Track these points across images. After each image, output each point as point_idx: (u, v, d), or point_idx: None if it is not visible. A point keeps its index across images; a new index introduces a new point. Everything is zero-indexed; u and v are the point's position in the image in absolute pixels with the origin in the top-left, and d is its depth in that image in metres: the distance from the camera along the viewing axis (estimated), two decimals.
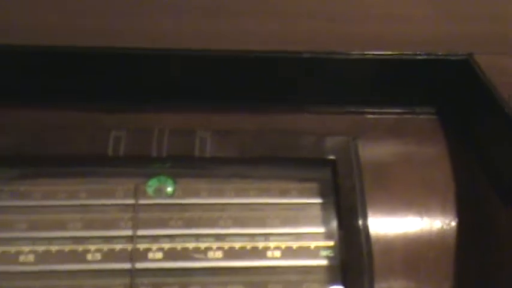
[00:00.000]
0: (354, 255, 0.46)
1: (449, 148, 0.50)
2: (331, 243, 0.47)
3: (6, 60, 0.45)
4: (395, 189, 0.49)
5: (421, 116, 0.52)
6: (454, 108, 0.51)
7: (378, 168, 0.49)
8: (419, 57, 0.49)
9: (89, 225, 0.45)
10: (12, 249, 0.44)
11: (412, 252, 0.47)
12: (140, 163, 0.47)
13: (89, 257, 0.45)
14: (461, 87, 0.49)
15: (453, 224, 0.48)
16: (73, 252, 0.45)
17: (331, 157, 0.48)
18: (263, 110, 0.49)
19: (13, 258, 0.44)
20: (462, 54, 0.48)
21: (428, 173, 0.50)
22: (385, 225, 0.48)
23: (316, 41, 0.47)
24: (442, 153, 0.50)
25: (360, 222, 0.47)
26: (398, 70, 0.49)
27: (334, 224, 0.47)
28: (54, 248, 0.45)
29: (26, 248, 0.45)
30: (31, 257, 0.44)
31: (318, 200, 0.48)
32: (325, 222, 0.47)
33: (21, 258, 0.44)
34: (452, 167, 0.50)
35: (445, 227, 0.48)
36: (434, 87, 0.50)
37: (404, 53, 0.49)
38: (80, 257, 0.45)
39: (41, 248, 0.45)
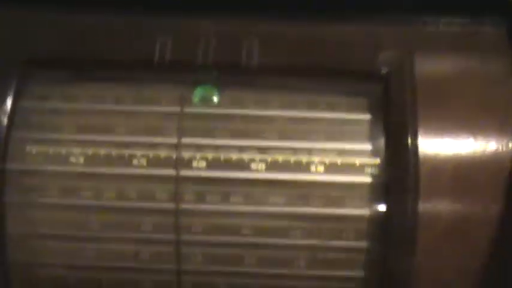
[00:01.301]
0: (399, 173, 0.43)
1: None
2: (377, 160, 0.44)
3: None
4: (451, 107, 0.44)
5: (488, 28, 0.46)
6: None
7: (435, 85, 0.44)
8: None
9: (135, 131, 0.44)
10: (63, 150, 0.44)
11: (461, 175, 0.43)
12: (186, 71, 0.45)
13: (135, 162, 0.44)
14: None
15: (510, 147, 0.44)
16: (119, 156, 0.44)
17: (384, 71, 0.44)
18: (312, 19, 0.45)
19: (63, 159, 0.44)
20: None
21: (489, 92, 0.45)
22: (435, 144, 0.44)
23: None
24: (506, 72, 0.45)
25: (409, 140, 0.43)
26: None
27: (382, 141, 0.44)
28: (101, 151, 0.44)
29: (76, 150, 0.44)
30: (81, 159, 0.44)
31: (367, 116, 0.45)
32: (372, 139, 0.44)
33: (72, 159, 0.44)
34: None
35: (500, 150, 0.44)
36: None
37: None
38: (126, 162, 0.44)
39: (89, 151, 0.44)
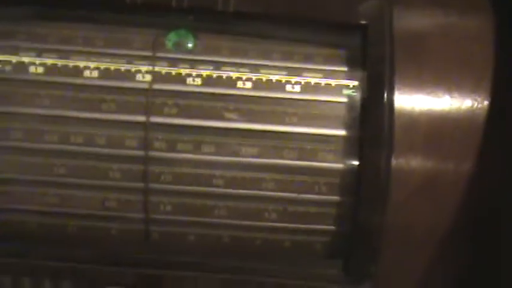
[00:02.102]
0: (374, 128, 0.41)
1: (493, 24, 0.43)
2: (353, 114, 0.42)
3: None
4: (428, 62, 0.43)
5: None
6: None
7: (412, 38, 0.43)
8: None
9: (105, 75, 0.42)
10: (29, 91, 0.41)
11: (436, 130, 0.42)
12: (159, 13, 0.42)
13: (104, 106, 0.41)
14: None
15: (484, 104, 0.42)
16: (88, 100, 0.41)
17: (363, 22, 0.42)
18: None
19: (29, 100, 0.41)
20: None
21: (466, 48, 0.43)
22: (411, 99, 0.42)
23: None
24: (485, 29, 0.43)
25: (385, 94, 0.41)
26: None
27: (358, 93, 0.42)
28: (69, 94, 0.41)
29: (42, 92, 0.41)
30: (47, 101, 0.41)
31: (344, 68, 0.43)
32: (348, 91, 0.42)
33: (38, 101, 0.41)
34: (494, 44, 0.43)
35: (475, 106, 0.42)
36: None
37: None
38: (95, 106, 0.41)
39: (56, 93, 0.41)
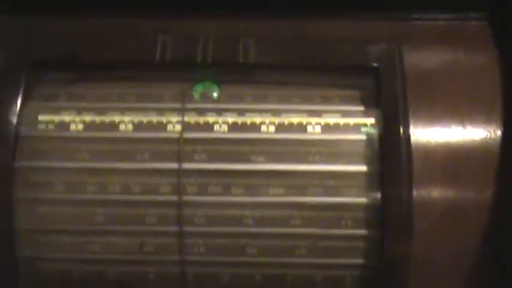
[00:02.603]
0: (393, 162, 0.43)
1: (499, 57, 0.45)
2: (371, 150, 0.44)
3: None
4: (439, 97, 0.44)
5: (471, 22, 0.46)
6: (508, 14, 0.45)
7: (423, 76, 0.45)
8: None
9: (138, 127, 0.44)
10: (70, 147, 0.44)
11: (452, 161, 0.43)
12: (186, 68, 0.45)
13: (139, 156, 0.44)
14: None
15: (497, 134, 0.44)
16: (124, 151, 0.44)
17: (375, 65, 0.44)
18: (304, 17, 0.45)
19: (70, 155, 0.44)
20: None
21: (475, 82, 0.45)
22: (426, 133, 0.44)
23: None
24: (492, 62, 0.45)
25: (401, 130, 0.43)
26: None
27: (375, 132, 0.44)
28: (106, 147, 0.44)
29: (82, 147, 0.44)
30: (87, 155, 0.44)
31: (360, 108, 0.45)
32: (366, 130, 0.44)
33: (78, 155, 0.44)
34: (501, 76, 0.45)
35: (488, 136, 0.44)
36: None
37: None
38: (130, 157, 0.44)
39: (94, 147, 0.44)
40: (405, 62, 0.43)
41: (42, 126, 0.43)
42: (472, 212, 0.42)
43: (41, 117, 0.44)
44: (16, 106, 0.43)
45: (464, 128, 0.43)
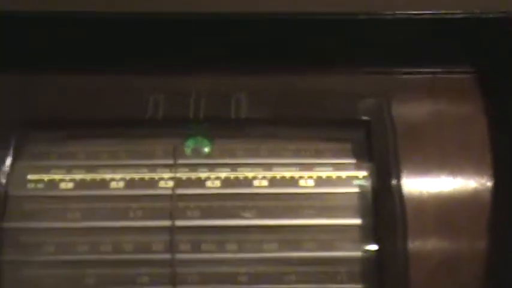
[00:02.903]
0: (387, 215, 0.43)
1: (486, 108, 0.46)
2: (365, 203, 0.44)
3: (46, 27, 0.44)
4: (429, 149, 0.44)
5: (457, 75, 0.47)
6: (492, 66, 0.46)
7: (412, 128, 0.45)
8: (457, 16, 0.44)
9: (130, 184, 0.44)
10: (60, 206, 0.43)
11: (444, 213, 0.43)
12: (178, 125, 0.45)
13: (131, 214, 0.43)
14: (500, 45, 0.44)
15: (488, 184, 0.44)
16: (115, 209, 0.43)
17: (365, 118, 0.45)
18: (294, 71, 0.46)
19: (60, 215, 0.43)
20: (501, 11, 0.43)
21: (463, 133, 0.45)
22: (418, 185, 0.44)
23: (344, 1, 0.44)
24: (479, 113, 0.46)
25: (394, 183, 0.43)
26: (433, 29, 0.45)
27: (368, 184, 0.44)
28: (98, 205, 0.43)
29: (73, 206, 0.43)
30: (78, 214, 0.43)
31: (352, 160, 0.45)
32: (359, 183, 0.44)
33: (69, 215, 0.43)
34: (489, 127, 0.45)
35: (479, 187, 0.44)
36: (471, 45, 0.46)
37: (440, 12, 0.44)
38: (122, 215, 0.43)
39: (85, 206, 0.43)
40: (395, 115, 0.43)
41: (31, 186, 0.42)
42: (467, 262, 0.42)
43: (30, 177, 0.43)
44: (5, 165, 0.42)
45: (455, 178, 0.43)
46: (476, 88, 0.45)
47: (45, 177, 0.43)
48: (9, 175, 0.42)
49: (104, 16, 0.43)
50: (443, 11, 0.43)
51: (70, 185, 0.43)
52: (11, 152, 0.42)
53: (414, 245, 0.42)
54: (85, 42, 0.44)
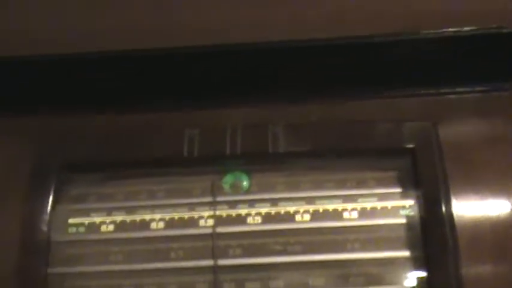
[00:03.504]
0: (438, 246, 0.40)
1: None
2: (413, 233, 0.41)
3: (83, 68, 0.43)
4: (481, 173, 0.42)
5: (506, 93, 0.44)
6: None
7: (461, 152, 0.42)
8: (504, 31, 0.41)
9: (170, 224, 0.43)
10: (102, 249, 0.43)
11: (502, 240, 0.40)
12: (215, 161, 0.44)
13: (172, 255, 0.42)
14: None
15: None
16: (157, 251, 0.42)
17: (410, 145, 0.42)
18: (332, 98, 0.43)
19: (103, 258, 0.42)
20: None
21: None
22: (471, 213, 0.41)
23: (381, 22, 0.41)
24: None
25: (444, 211, 0.41)
26: (480, 46, 0.42)
27: (416, 215, 0.42)
28: (139, 247, 0.42)
29: (115, 248, 0.43)
30: (120, 257, 0.42)
31: (398, 190, 0.42)
32: (406, 213, 0.42)
33: (111, 257, 0.42)
34: None
35: None
36: None
37: (485, 27, 0.41)
38: (164, 256, 0.42)
39: (127, 248, 0.43)
40: (442, 139, 0.41)
41: (72, 230, 0.42)
42: None
43: (71, 221, 0.42)
44: (46, 210, 0.42)
45: (510, 204, 0.40)
46: None
47: (86, 220, 0.42)
48: (50, 220, 0.41)
49: (136, 54, 0.42)
50: (489, 27, 0.40)
51: (111, 227, 0.42)
52: (51, 196, 0.42)
53: (468, 275, 0.39)
54: (119, 82, 0.43)
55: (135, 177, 0.43)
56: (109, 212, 0.43)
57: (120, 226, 0.42)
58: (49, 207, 0.42)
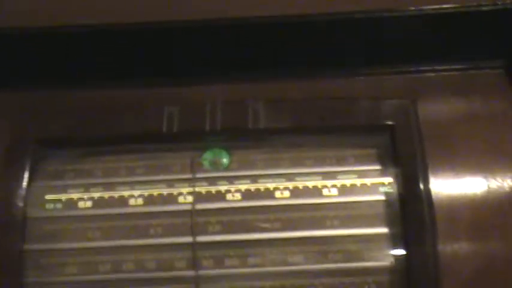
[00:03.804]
0: (416, 222, 0.40)
1: None
2: (392, 210, 0.41)
3: (59, 42, 0.42)
4: (460, 152, 0.42)
5: (486, 71, 0.44)
6: None
7: (440, 130, 0.42)
8: (483, 9, 0.41)
9: (149, 201, 0.42)
10: (79, 226, 0.42)
11: (478, 218, 0.41)
12: (195, 137, 0.43)
13: (151, 231, 0.42)
14: None
15: None
16: (136, 227, 0.42)
17: (389, 122, 0.42)
18: (313, 75, 0.43)
19: (80, 235, 0.42)
20: None
21: (495, 132, 0.42)
22: (449, 190, 0.41)
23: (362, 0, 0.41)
24: (510, 110, 0.43)
25: (422, 188, 0.41)
26: (460, 24, 0.42)
27: (394, 192, 0.42)
28: (117, 224, 0.42)
29: (92, 225, 0.42)
30: (97, 234, 0.42)
31: (377, 167, 0.42)
32: (385, 190, 0.42)
33: (89, 234, 0.42)
34: None
35: None
36: (500, 39, 0.42)
37: (466, 5, 0.41)
38: (143, 232, 0.42)
39: (105, 225, 0.42)
40: (421, 117, 0.41)
41: (49, 206, 0.41)
42: (503, 270, 0.39)
43: (48, 197, 0.42)
44: (22, 186, 0.41)
45: (488, 181, 0.40)
46: (506, 83, 0.42)
47: (63, 196, 0.41)
48: (26, 196, 0.41)
49: (115, 28, 0.41)
50: (470, 4, 0.40)
51: (88, 203, 0.41)
52: (27, 172, 0.41)
53: (445, 252, 0.39)
54: (98, 58, 0.42)
55: (114, 153, 0.43)
56: (87, 188, 0.42)
57: (98, 202, 0.41)
58: (25, 183, 0.41)
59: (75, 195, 0.42)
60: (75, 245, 0.41)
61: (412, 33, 0.42)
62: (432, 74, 0.44)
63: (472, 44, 0.42)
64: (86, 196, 0.42)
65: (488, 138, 0.42)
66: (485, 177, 0.41)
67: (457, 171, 0.41)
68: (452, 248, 0.40)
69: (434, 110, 0.42)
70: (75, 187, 0.42)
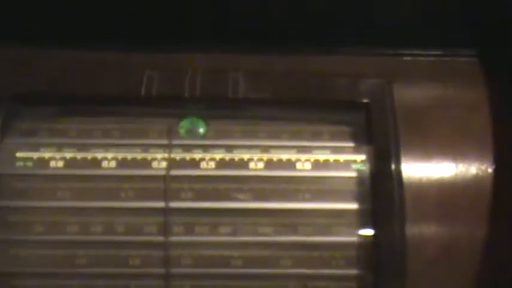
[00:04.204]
0: (385, 200, 0.41)
1: (490, 92, 0.44)
2: (363, 187, 0.42)
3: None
4: (431, 133, 0.43)
5: (461, 58, 0.45)
6: (497, 50, 0.44)
7: (414, 112, 0.43)
8: None
9: (122, 164, 0.42)
10: (50, 185, 0.41)
11: (446, 199, 0.41)
12: (173, 103, 0.43)
13: (122, 195, 0.41)
14: (505, 27, 0.42)
15: (489, 170, 0.42)
16: (107, 190, 0.41)
17: (365, 100, 0.43)
18: (294, 51, 0.43)
19: (50, 194, 0.41)
20: None
21: (466, 118, 0.43)
22: (419, 170, 0.42)
23: None
24: (482, 98, 0.44)
25: (393, 167, 0.41)
26: (438, 9, 0.43)
27: (366, 168, 0.42)
28: (88, 185, 0.41)
29: (63, 185, 0.41)
30: (67, 194, 0.41)
31: (351, 144, 0.43)
32: (358, 167, 0.42)
33: (58, 194, 0.41)
34: (492, 112, 0.43)
35: (481, 173, 0.42)
36: (476, 27, 0.43)
37: None
38: (114, 195, 0.41)
39: (76, 185, 0.41)
40: (396, 98, 0.41)
41: (20, 164, 0.40)
42: (467, 249, 0.40)
43: (19, 154, 0.41)
44: None
45: (456, 164, 0.41)
46: (481, 72, 0.43)
47: (35, 155, 0.41)
48: None
49: None
50: None
51: (60, 163, 0.41)
52: None
53: (413, 230, 0.40)
54: (78, 17, 0.42)
55: (90, 114, 0.42)
56: (59, 148, 0.41)
57: (70, 163, 0.41)
58: None
59: (47, 154, 0.41)
60: (44, 204, 0.40)
61: (391, 17, 0.43)
62: (409, 58, 0.44)
63: (449, 31, 0.43)
64: (58, 156, 0.41)
65: (460, 123, 0.43)
66: (454, 160, 0.42)
67: (428, 153, 0.42)
68: (419, 227, 0.40)
69: (410, 93, 0.43)
70: (48, 146, 0.41)
